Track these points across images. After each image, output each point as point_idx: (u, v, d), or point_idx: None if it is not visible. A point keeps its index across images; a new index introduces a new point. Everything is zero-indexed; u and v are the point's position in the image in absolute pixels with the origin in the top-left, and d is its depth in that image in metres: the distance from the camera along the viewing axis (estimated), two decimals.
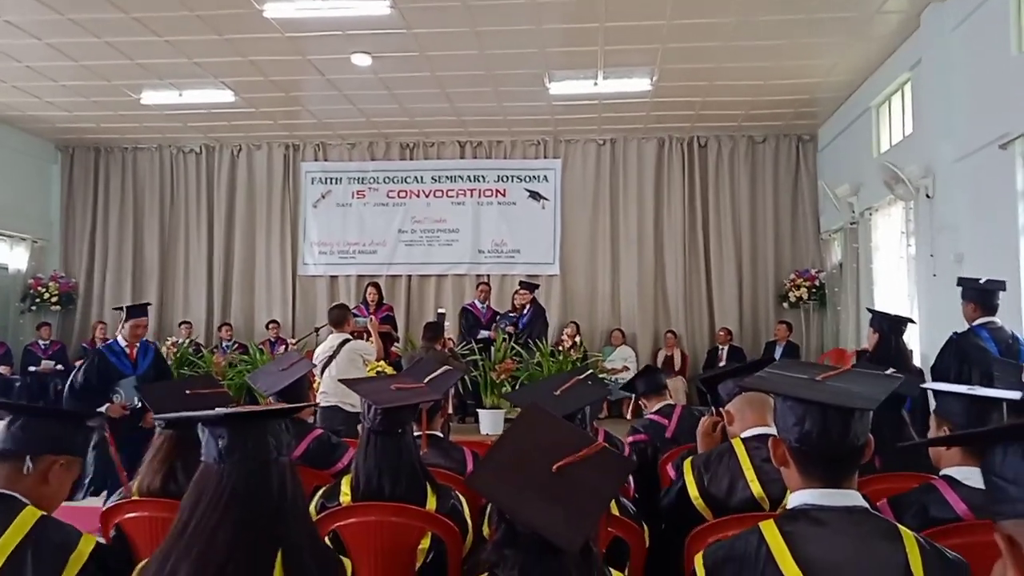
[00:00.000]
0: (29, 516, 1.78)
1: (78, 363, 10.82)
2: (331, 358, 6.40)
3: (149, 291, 12.34)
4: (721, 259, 11.74)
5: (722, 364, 10.35)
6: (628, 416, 10.32)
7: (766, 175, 11.79)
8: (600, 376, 6.23)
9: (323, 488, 2.74)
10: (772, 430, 1.82)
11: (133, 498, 2.62)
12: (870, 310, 6.01)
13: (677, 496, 2.61)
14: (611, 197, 11.99)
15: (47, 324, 11.44)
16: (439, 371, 3.26)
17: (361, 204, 12.27)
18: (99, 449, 4.34)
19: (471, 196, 12.14)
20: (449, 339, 8.96)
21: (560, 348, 8.84)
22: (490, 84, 9.59)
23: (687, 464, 2.65)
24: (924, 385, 3.73)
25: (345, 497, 2.57)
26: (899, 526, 1.65)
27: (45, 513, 1.82)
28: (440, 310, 10.32)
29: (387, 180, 12.25)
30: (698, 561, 1.71)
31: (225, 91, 9.86)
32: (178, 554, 1.67)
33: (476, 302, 10.24)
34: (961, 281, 5.49)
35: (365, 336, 7.42)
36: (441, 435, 3.45)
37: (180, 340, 10.48)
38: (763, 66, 8.88)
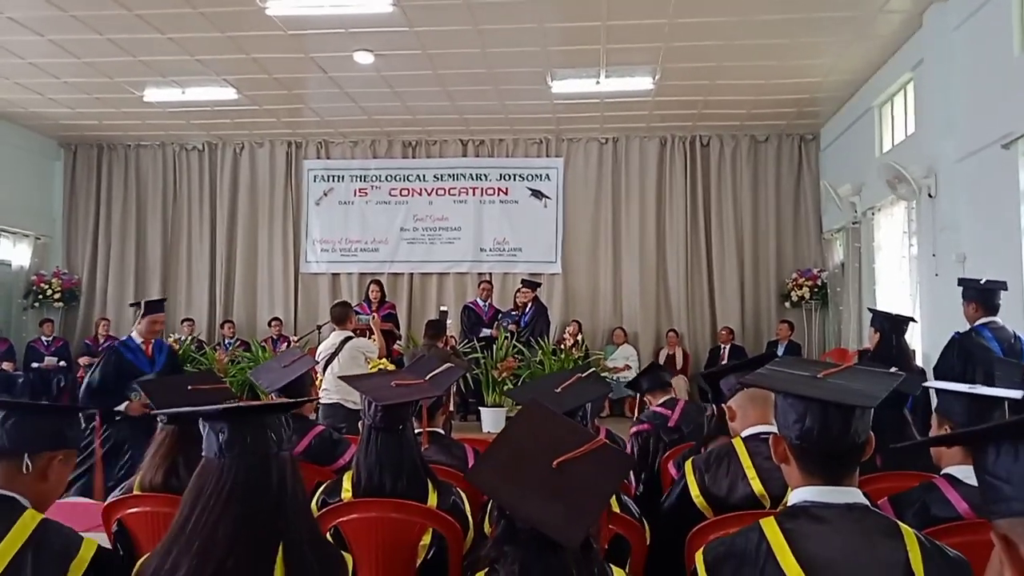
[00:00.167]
0: (29, 520, 1.75)
1: (81, 361, 10.93)
2: (333, 355, 6.42)
3: (152, 288, 12.35)
4: (723, 258, 11.74)
5: (724, 364, 10.35)
6: (630, 414, 10.32)
7: (768, 174, 11.79)
8: (602, 375, 6.24)
9: (324, 484, 2.75)
10: (774, 428, 1.82)
11: (135, 493, 2.63)
12: (871, 310, 6.01)
13: (678, 495, 2.61)
14: (613, 196, 11.99)
15: (50, 321, 11.45)
16: (441, 368, 3.26)
17: (363, 202, 12.27)
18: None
19: (473, 194, 12.15)
20: (451, 337, 8.97)
21: (562, 346, 8.84)
22: (492, 83, 9.59)
23: (688, 464, 2.64)
24: (926, 384, 3.73)
25: (346, 493, 2.58)
26: (900, 523, 1.65)
27: (46, 517, 1.79)
28: (442, 308, 10.32)
29: (389, 178, 12.25)
30: (698, 558, 1.71)
31: (228, 88, 9.86)
32: (179, 548, 1.68)
33: (478, 300, 10.24)
34: (962, 282, 5.50)
35: (367, 334, 7.43)
36: (443, 432, 3.46)
37: (182, 337, 10.49)
38: (765, 65, 8.87)
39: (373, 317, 8.09)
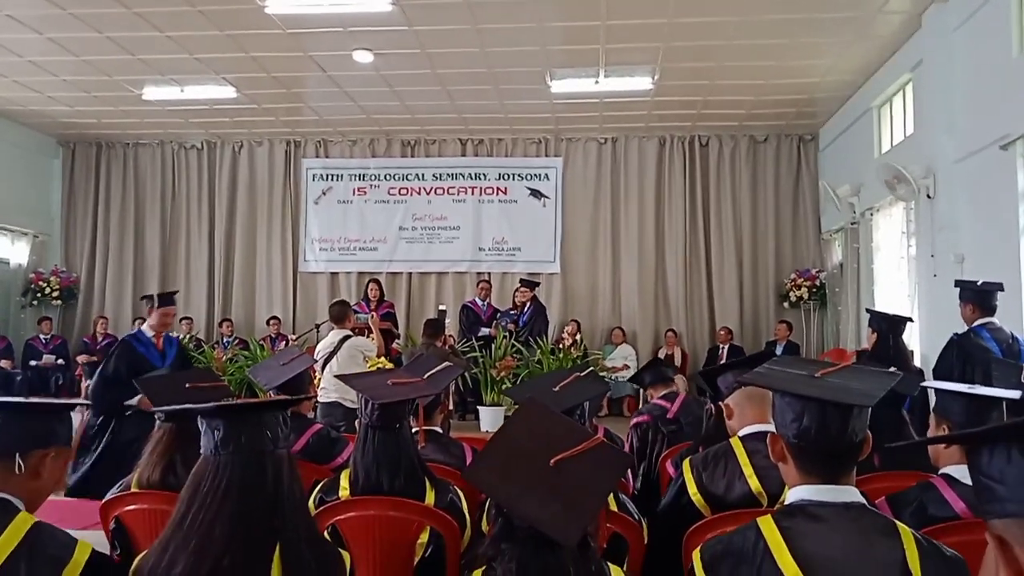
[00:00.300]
0: (22, 524, 1.71)
1: (79, 359, 10.93)
2: (332, 354, 6.41)
3: (150, 287, 12.31)
4: (722, 258, 11.75)
5: (722, 362, 10.35)
6: (628, 414, 10.33)
7: (767, 174, 11.80)
8: (600, 374, 6.23)
9: (322, 482, 2.75)
10: (771, 427, 1.82)
11: (133, 490, 2.63)
12: (869, 310, 6.02)
13: (676, 494, 2.61)
14: (612, 196, 12.00)
15: (48, 319, 11.46)
16: (439, 367, 3.26)
17: (362, 201, 12.27)
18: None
19: (472, 194, 12.15)
20: (450, 336, 8.97)
21: (560, 346, 8.84)
22: (491, 82, 9.59)
23: (686, 463, 2.64)
24: (924, 384, 3.73)
25: (344, 491, 2.58)
26: (897, 523, 1.65)
27: (39, 520, 1.76)
28: (441, 307, 10.32)
29: (388, 177, 12.25)
30: (696, 557, 1.71)
31: (227, 87, 9.86)
32: (176, 545, 1.68)
33: (477, 299, 10.24)
34: (959, 283, 5.51)
35: (366, 333, 7.43)
36: (441, 431, 3.46)
37: (181, 335, 10.47)
38: (765, 65, 8.88)
39: (372, 316, 8.10)
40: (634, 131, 11.73)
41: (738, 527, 1.72)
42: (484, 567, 1.62)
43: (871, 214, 9.28)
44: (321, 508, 2.51)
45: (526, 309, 9.62)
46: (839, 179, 10.15)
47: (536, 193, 12.06)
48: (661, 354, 11.20)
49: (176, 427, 2.62)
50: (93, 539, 1.90)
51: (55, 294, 11.82)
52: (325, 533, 2.36)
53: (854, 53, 8.55)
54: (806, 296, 11.09)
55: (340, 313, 6.75)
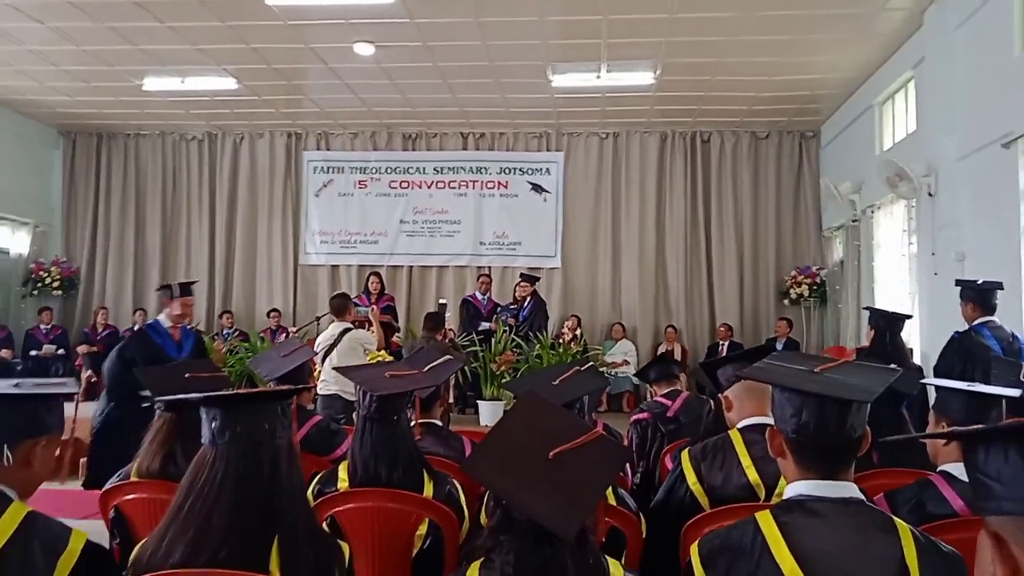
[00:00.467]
0: (16, 513, 1.69)
1: (79, 349, 10.93)
2: (332, 347, 6.42)
3: (151, 278, 12.35)
4: (722, 255, 11.75)
5: (723, 355, 10.35)
6: (628, 409, 10.34)
7: (768, 171, 11.79)
8: (600, 369, 6.24)
9: (320, 474, 2.75)
10: (770, 420, 1.83)
11: (132, 480, 2.63)
12: (868, 307, 6.02)
13: (674, 484, 2.63)
14: (613, 191, 11.99)
15: (48, 309, 11.46)
16: (439, 360, 3.26)
17: (363, 194, 12.26)
18: None
19: (473, 188, 12.14)
20: (450, 330, 8.98)
21: (560, 341, 8.85)
22: (493, 76, 9.58)
23: (684, 454, 2.66)
24: (923, 381, 3.74)
25: (343, 483, 2.59)
26: (895, 518, 1.65)
27: (33, 510, 1.73)
28: (441, 301, 10.32)
29: (389, 170, 12.24)
30: (693, 551, 1.71)
31: (228, 78, 9.84)
32: (174, 533, 1.68)
33: (477, 294, 10.24)
34: (959, 283, 5.53)
35: (366, 325, 7.43)
36: (440, 424, 3.47)
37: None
38: (767, 62, 8.86)
39: (372, 309, 8.09)
40: (635, 126, 11.72)
41: (736, 522, 1.73)
42: (482, 559, 1.62)
43: (872, 212, 9.27)
44: (320, 499, 2.52)
45: (526, 304, 9.62)
46: (840, 176, 10.14)
47: (537, 188, 12.05)
48: (661, 350, 11.20)
49: (176, 417, 2.63)
50: (92, 528, 1.91)
51: (55, 284, 11.81)
52: (324, 524, 2.36)
53: (856, 50, 8.54)
54: (806, 293, 11.09)
55: (340, 306, 6.76)
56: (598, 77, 9.42)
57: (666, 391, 4.40)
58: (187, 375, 2.99)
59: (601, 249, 11.96)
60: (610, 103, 10.56)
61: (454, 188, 12.16)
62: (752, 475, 2.46)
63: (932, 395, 2.72)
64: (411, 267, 12.25)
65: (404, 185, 12.21)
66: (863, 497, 1.69)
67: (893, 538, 1.59)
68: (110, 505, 2.63)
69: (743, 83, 9.66)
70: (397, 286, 11.90)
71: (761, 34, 8.07)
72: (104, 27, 8.23)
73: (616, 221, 11.95)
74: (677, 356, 11.04)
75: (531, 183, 12.07)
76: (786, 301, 11.38)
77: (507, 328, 8.61)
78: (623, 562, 2.34)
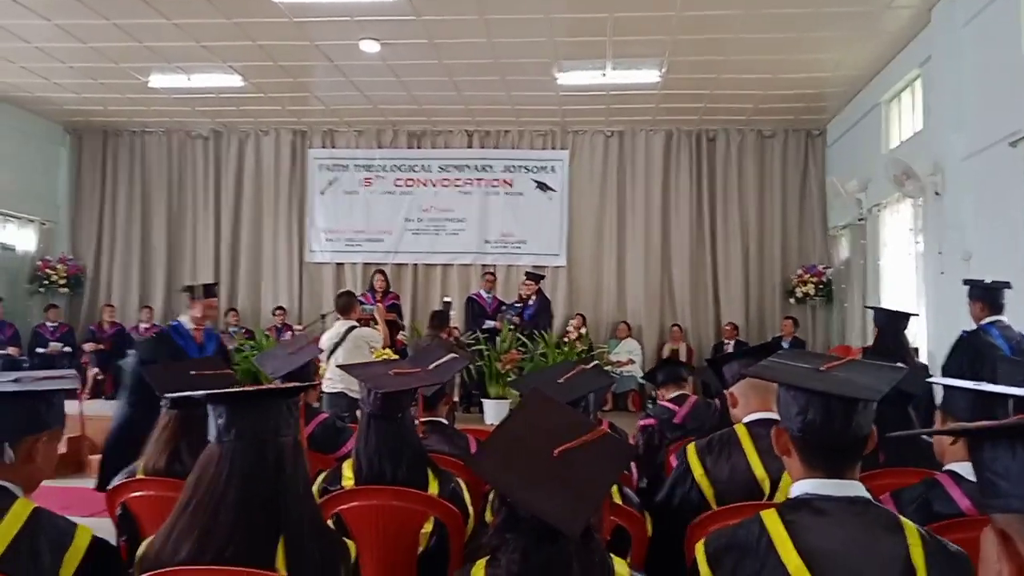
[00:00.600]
0: (21, 510, 1.70)
1: (86, 347, 10.95)
2: (337, 345, 6.43)
3: (157, 275, 12.39)
4: (728, 253, 11.72)
5: (729, 352, 10.33)
6: (633, 409, 10.34)
7: (774, 170, 11.76)
8: (605, 368, 6.24)
9: (324, 472, 2.76)
10: (774, 415, 1.83)
11: (139, 477, 2.64)
12: (868, 307, 6.00)
13: (680, 477, 2.64)
14: (618, 189, 11.97)
15: (55, 306, 11.48)
16: (444, 358, 3.26)
17: (368, 192, 12.27)
18: None
19: (478, 186, 12.14)
20: (455, 328, 8.98)
21: (565, 340, 8.85)
22: (498, 73, 9.57)
23: (691, 447, 2.67)
24: (930, 380, 3.72)
25: (348, 481, 2.59)
26: (901, 517, 1.65)
27: (38, 506, 1.73)
28: (446, 299, 10.32)
29: (394, 168, 12.25)
30: (699, 550, 1.71)
31: (233, 75, 9.85)
32: (181, 530, 1.69)
33: (482, 292, 10.25)
34: (967, 282, 5.51)
35: (371, 323, 7.44)
36: (446, 422, 3.47)
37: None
38: (773, 60, 8.84)
39: (377, 307, 8.10)
40: (641, 124, 11.70)
41: (742, 520, 1.72)
42: (488, 557, 1.62)
43: (878, 210, 9.25)
44: (325, 497, 2.52)
45: (531, 302, 9.62)
46: (847, 175, 10.09)
47: (542, 186, 12.04)
48: (666, 350, 11.19)
49: (181, 414, 2.64)
50: (99, 526, 1.91)
51: (62, 282, 11.84)
52: (329, 522, 2.37)
53: (863, 48, 8.51)
54: (812, 292, 11.05)
55: (346, 304, 6.76)
56: (604, 75, 9.41)
57: (673, 395, 4.34)
58: (193, 373, 2.99)
59: (606, 248, 11.95)
60: (615, 101, 10.54)
61: (459, 186, 12.16)
62: (758, 469, 2.47)
63: (939, 394, 2.70)
64: (416, 265, 12.25)
65: (409, 183, 12.21)
66: (869, 496, 1.69)
67: (899, 537, 1.59)
68: (117, 502, 2.64)
69: (749, 81, 9.64)
70: (402, 284, 11.91)
71: (767, 32, 8.06)
72: (110, 24, 8.25)
73: (621, 219, 11.93)
74: (682, 355, 11.04)
75: (536, 181, 12.06)
76: (792, 300, 11.35)
77: (512, 326, 8.62)
78: (628, 561, 2.35)
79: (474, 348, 8.04)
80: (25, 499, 1.74)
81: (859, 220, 9.75)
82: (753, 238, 11.72)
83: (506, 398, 7.68)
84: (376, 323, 7.49)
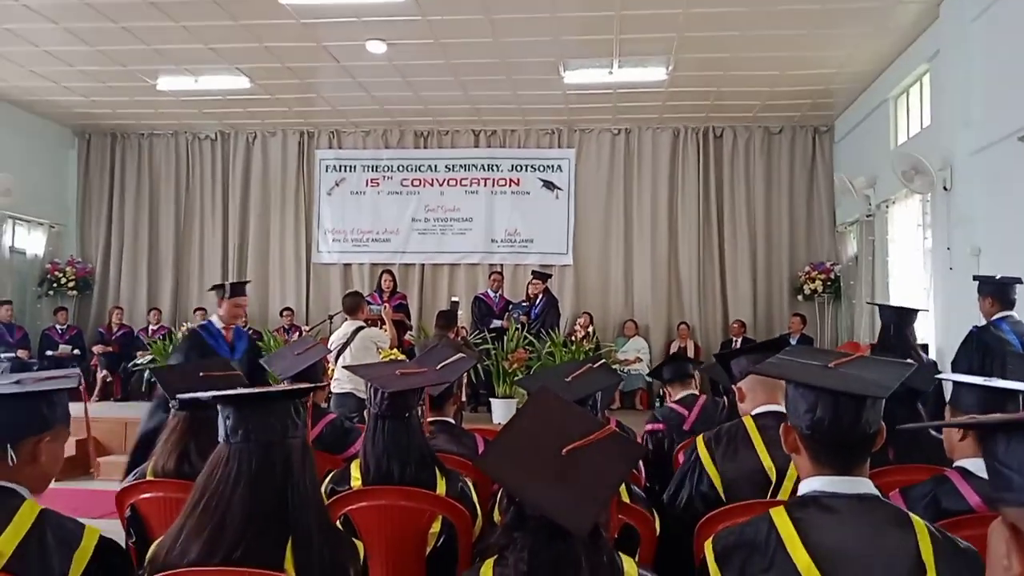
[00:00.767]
0: (29, 511, 1.70)
1: (95, 349, 11.01)
2: (345, 345, 6.43)
3: (164, 277, 12.43)
4: (735, 251, 11.69)
5: (737, 348, 10.30)
6: (641, 407, 10.33)
7: (782, 166, 11.72)
8: (613, 367, 6.23)
9: (332, 473, 2.76)
10: (781, 407, 1.83)
11: (148, 479, 2.65)
12: (870, 303, 5.97)
13: (690, 468, 2.68)
14: (625, 187, 11.95)
15: (64, 309, 11.53)
16: (451, 358, 3.26)
17: (375, 192, 12.28)
18: None
19: (485, 185, 12.13)
20: (462, 328, 8.98)
21: (573, 338, 8.84)
22: (505, 72, 9.57)
23: (699, 439, 2.72)
24: (939, 376, 3.71)
25: (356, 481, 2.59)
26: (910, 514, 1.64)
27: (45, 508, 1.73)
28: (453, 299, 10.32)
29: (401, 168, 12.25)
30: (708, 548, 1.71)
31: (240, 77, 9.88)
32: (190, 531, 1.69)
33: (489, 291, 10.24)
34: (977, 278, 5.49)
35: (379, 324, 7.45)
36: (453, 422, 3.47)
37: (195, 326, 10.52)
38: (780, 56, 8.82)
39: (385, 307, 8.11)
40: (648, 122, 11.68)
41: (751, 518, 1.72)
42: (496, 556, 1.62)
43: (887, 206, 9.20)
44: (333, 498, 2.52)
45: (538, 301, 9.62)
46: (855, 171, 10.06)
47: (549, 185, 12.03)
48: (674, 347, 11.16)
49: (190, 415, 2.64)
50: (108, 528, 1.91)
51: (71, 284, 11.89)
52: (337, 523, 2.37)
53: (870, 44, 8.48)
54: (820, 289, 11.01)
55: (353, 304, 6.77)
56: (610, 73, 9.39)
57: (681, 395, 4.24)
58: (201, 374, 3.00)
59: (613, 246, 11.93)
60: (622, 99, 10.53)
61: (466, 186, 12.16)
62: (765, 459, 2.51)
63: (948, 391, 2.69)
64: (423, 265, 12.26)
65: (416, 183, 12.22)
66: (878, 493, 1.68)
67: (909, 534, 1.58)
68: (126, 504, 2.65)
69: (756, 78, 9.61)
70: (409, 284, 11.91)
71: (774, 28, 8.03)
72: (118, 27, 8.28)
73: (628, 218, 11.92)
74: (690, 353, 11.01)
75: (543, 180, 12.05)
76: (800, 297, 11.31)
77: (519, 326, 8.62)
78: (636, 560, 2.34)
79: (481, 347, 8.04)
80: (32, 501, 1.74)
81: (867, 216, 9.72)
82: (761, 235, 11.68)
83: (513, 397, 7.67)
84: (384, 324, 7.49)
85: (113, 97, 10.81)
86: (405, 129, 12.20)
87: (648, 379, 10.18)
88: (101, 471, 7.82)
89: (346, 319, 6.75)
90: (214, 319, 5.44)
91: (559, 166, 12.04)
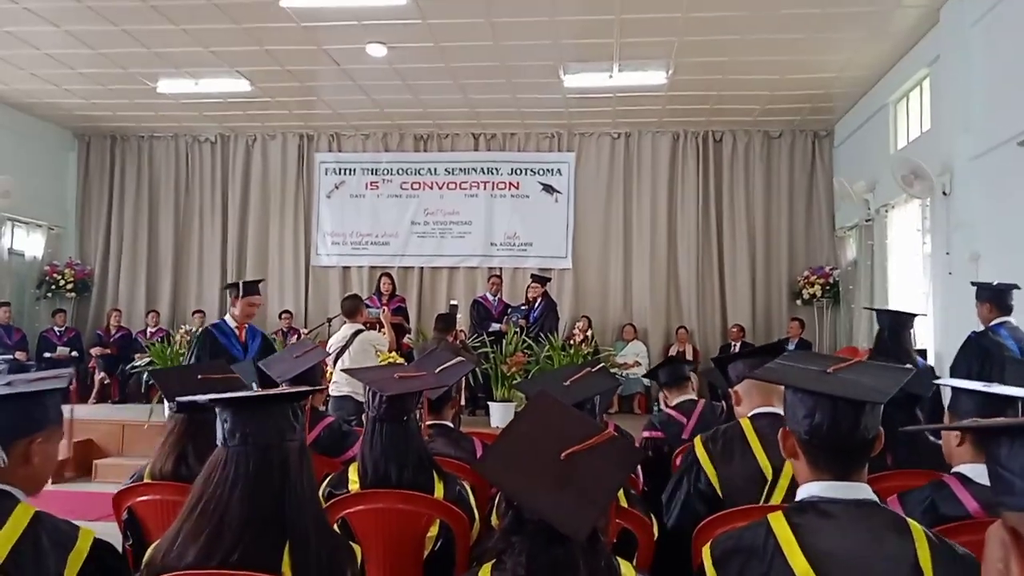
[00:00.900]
0: (23, 514, 1.69)
1: (93, 351, 11.00)
2: (344, 348, 6.43)
3: (163, 280, 12.42)
4: (734, 255, 11.69)
5: (734, 352, 10.29)
6: (639, 411, 10.32)
7: (781, 171, 11.73)
8: (611, 370, 6.22)
9: (330, 476, 2.75)
10: (777, 410, 1.83)
11: (145, 481, 2.65)
12: (867, 308, 5.97)
13: (688, 469, 2.70)
14: (625, 191, 11.95)
15: (62, 311, 11.53)
16: (451, 361, 3.26)
17: (374, 195, 12.28)
18: None
19: (484, 189, 12.13)
20: (460, 331, 8.98)
21: (571, 342, 8.84)
22: (504, 76, 9.58)
23: (697, 440, 2.73)
24: (938, 381, 3.71)
25: (353, 485, 2.59)
26: (908, 520, 1.64)
27: (40, 510, 1.73)
28: (452, 302, 10.33)
29: (400, 171, 12.26)
30: (705, 552, 1.71)
31: (241, 80, 9.89)
32: (188, 534, 1.69)
33: (488, 295, 10.24)
34: (975, 284, 5.50)
35: (378, 327, 7.44)
36: (451, 426, 3.47)
37: (193, 328, 10.51)
38: (780, 60, 8.82)
39: (383, 310, 8.11)
40: (647, 126, 11.69)
41: (748, 523, 1.72)
42: (494, 560, 1.61)
43: (886, 211, 9.21)
44: (331, 501, 2.52)
45: (537, 305, 9.61)
46: (854, 175, 10.06)
47: (548, 188, 12.04)
48: (672, 351, 11.16)
49: (187, 418, 2.64)
50: (105, 530, 1.91)
51: (69, 286, 11.88)
52: (335, 526, 2.37)
53: (870, 48, 8.49)
54: (819, 294, 11.02)
55: (352, 307, 6.77)
56: (610, 77, 9.40)
57: (679, 400, 4.16)
58: (199, 376, 3.00)
59: (612, 250, 11.93)
60: (622, 103, 10.54)
61: (465, 189, 12.16)
62: (762, 459, 2.53)
63: (947, 396, 2.70)
64: (422, 268, 12.26)
65: (415, 186, 12.22)
66: (876, 498, 1.68)
67: (907, 540, 1.58)
68: (123, 506, 2.65)
69: (756, 82, 9.62)
70: (408, 287, 11.91)
71: (774, 33, 8.04)
72: (119, 30, 8.29)
73: (627, 221, 11.92)
74: (688, 357, 11.00)
75: (542, 184, 12.06)
76: (799, 302, 11.31)
77: (518, 329, 8.62)
78: (634, 564, 2.34)
79: (480, 351, 8.04)
80: (25, 504, 1.74)
81: (866, 221, 9.72)
82: (760, 239, 11.69)
83: (512, 401, 7.67)
84: (382, 327, 7.49)
85: (113, 100, 10.82)
86: (405, 132, 12.21)
87: (647, 383, 10.17)
88: (98, 473, 7.82)
89: (345, 322, 6.75)
90: (227, 318, 5.48)
91: (559, 170, 12.05)
